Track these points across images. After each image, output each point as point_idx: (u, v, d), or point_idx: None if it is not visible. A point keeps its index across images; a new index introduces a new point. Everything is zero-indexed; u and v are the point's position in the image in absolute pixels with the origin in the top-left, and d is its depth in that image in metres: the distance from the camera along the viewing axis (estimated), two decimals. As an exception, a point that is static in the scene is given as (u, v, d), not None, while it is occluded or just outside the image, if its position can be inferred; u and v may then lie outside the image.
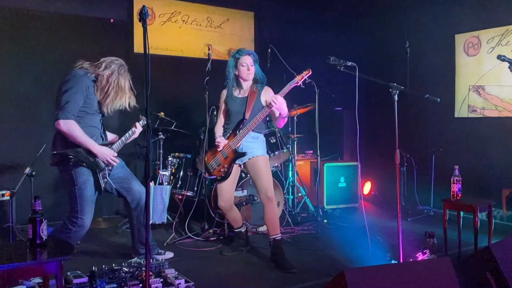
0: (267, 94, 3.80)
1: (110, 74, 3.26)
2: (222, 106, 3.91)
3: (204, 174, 3.92)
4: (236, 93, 3.83)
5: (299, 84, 3.62)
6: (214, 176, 3.80)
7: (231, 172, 3.73)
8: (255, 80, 3.82)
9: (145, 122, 3.61)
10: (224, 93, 3.90)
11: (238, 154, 3.70)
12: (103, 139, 3.39)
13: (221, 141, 3.73)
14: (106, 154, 3.26)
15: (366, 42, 6.85)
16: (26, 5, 4.77)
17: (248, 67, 3.73)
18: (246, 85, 3.82)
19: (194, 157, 4.96)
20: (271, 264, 3.68)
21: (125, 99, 3.32)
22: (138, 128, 3.54)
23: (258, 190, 3.76)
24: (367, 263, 3.48)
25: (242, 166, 3.82)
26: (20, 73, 4.76)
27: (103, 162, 3.27)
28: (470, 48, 5.54)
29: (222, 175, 3.74)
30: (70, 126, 3.11)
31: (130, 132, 3.53)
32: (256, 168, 3.72)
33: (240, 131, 3.67)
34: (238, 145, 3.68)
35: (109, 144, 3.38)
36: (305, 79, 3.64)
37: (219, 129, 3.90)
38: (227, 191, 3.81)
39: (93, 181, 3.25)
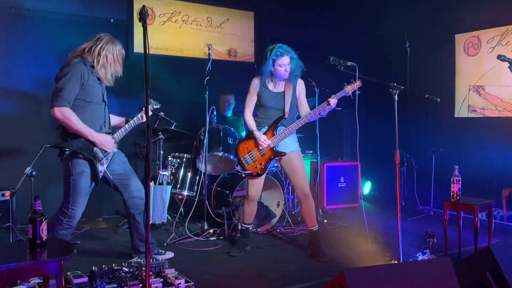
0: (300, 88, 3.84)
1: (102, 46, 3.24)
2: (253, 97, 3.83)
3: (237, 167, 3.91)
4: (270, 86, 3.79)
5: (348, 94, 3.63)
6: (249, 171, 3.80)
7: (267, 169, 3.79)
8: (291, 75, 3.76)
9: (154, 107, 3.61)
10: (257, 82, 3.81)
11: (276, 153, 3.73)
12: (108, 129, 3.37)
13: (265, 141, 3.71)
14: (104, 141, 3.22)
15: (366, 42, 6.85)
16: (26, 5, 4.77)
17: (286, 68, 3.68)
18: (281, 80, 3.80)
19: (194, 157, 4.96)
20: (271, 264, 3.68)
21: (118, 66, 3.32)
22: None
23: (294, 186, 3.86)
24: (367, 263, 3.48)
25: (277, 161, 3.86)
26: (20, 73, 4.76)
27: (101, 150, 3.22)
28: (470, 48, 5.54)
29: (259, 171, 3.78)
30: (64, 113, 3.07)
31: (136, 118, 3.45)
32: (292, 164, 3.78)
33: (281, 130, 3.70)
34: (276, 143, 3.72)
35: (110, 133, 3.34)
36: (355, 90, 3.63)
37: (253, 121, 3.83)
38: (259, 182, 3.86)
39: (90, 173, 3.22)
